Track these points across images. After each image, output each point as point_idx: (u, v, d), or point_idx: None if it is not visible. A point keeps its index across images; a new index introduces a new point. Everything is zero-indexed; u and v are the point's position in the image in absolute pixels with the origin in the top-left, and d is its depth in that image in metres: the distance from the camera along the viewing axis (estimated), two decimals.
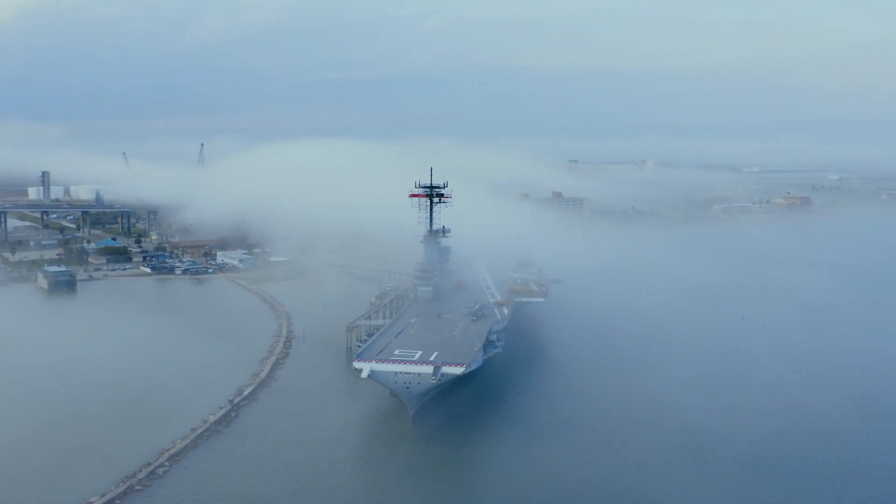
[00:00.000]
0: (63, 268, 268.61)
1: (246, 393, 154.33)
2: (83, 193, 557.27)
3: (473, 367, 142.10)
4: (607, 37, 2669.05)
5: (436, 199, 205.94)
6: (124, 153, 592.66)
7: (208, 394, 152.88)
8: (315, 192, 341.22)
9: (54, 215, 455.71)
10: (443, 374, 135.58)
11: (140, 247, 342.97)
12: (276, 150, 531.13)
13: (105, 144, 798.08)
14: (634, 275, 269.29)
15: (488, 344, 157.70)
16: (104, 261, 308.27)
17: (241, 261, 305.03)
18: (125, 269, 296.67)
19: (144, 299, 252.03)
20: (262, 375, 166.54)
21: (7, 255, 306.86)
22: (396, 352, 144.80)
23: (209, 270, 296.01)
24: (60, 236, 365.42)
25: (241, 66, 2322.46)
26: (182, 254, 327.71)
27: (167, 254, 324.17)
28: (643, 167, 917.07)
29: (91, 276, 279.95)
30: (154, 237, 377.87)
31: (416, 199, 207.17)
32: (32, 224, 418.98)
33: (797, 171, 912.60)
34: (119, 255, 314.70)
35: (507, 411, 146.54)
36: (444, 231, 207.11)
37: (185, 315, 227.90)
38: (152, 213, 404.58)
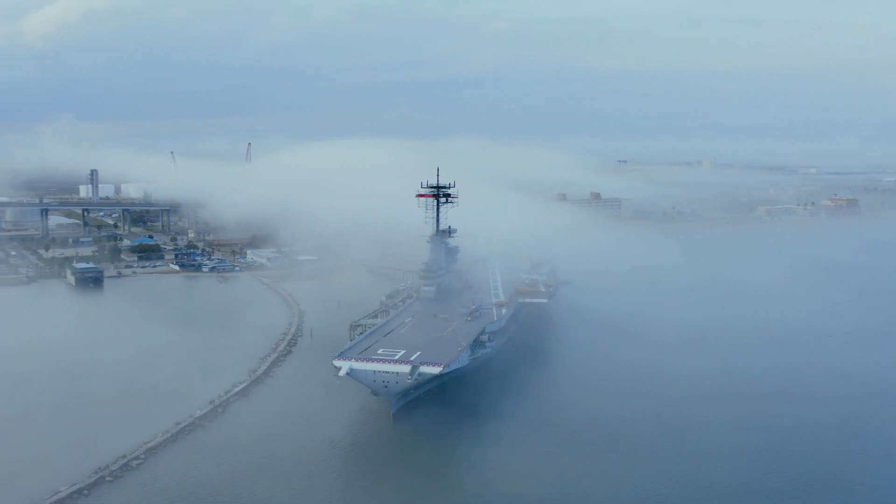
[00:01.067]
0: (91, 265, 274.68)
1: (237, 389, 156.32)
2: (133, 192, 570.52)
3: (454, 367, 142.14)
4: (671, 37, 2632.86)
5: (442, 200, 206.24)
6: (172, 152, 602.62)
7: (202, 389, 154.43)
8: (347, 191, 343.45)
9: (101, 213, 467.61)
10: (420, 374, 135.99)
11: (175, 244, 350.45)
12: (316, 148, 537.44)
13: (162, 143, 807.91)
14: (647, 275, 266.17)
15: (477, 344, 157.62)
16: (136, 258, 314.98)
17: (269, 259, 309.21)
18: (155, 267, 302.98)
19: (166, 295, 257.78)
20: (259, 372, 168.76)
21: (42, 251, 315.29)
22: (380, 351, 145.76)
23: (236, 268, 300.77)
24: (97, 233, 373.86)
25: (306, 66, 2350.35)
26: (213, 251, 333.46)
27: (199, 252, 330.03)
28: (699, 168, 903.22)
29: (120, 273, 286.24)
30: (191, 235, 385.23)
31: (423, 199, 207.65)
32: (77, 221, 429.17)
33: (854, 173, 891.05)
34: (151, 253, 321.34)
35: (491, 411, 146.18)
36: (450, 231, 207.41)
37: (199, 311, 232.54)
38: (190, 211, 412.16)
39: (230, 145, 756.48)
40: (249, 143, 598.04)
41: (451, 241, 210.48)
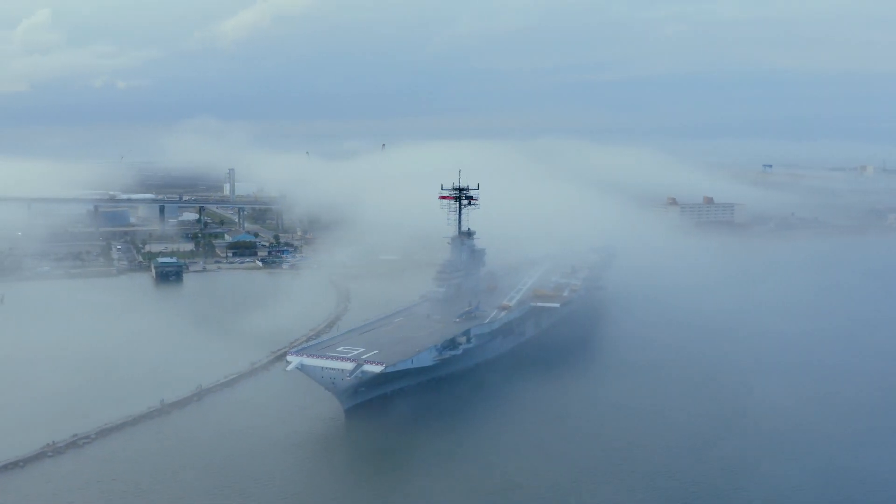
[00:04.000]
0: (174, 259, 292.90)
1: (225, 380, 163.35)
2: (272, 190, 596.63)
3: (402, 367, 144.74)
4: (856, 38, 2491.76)
5: (464, 202, 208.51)
6: (307, 152, 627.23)
7: (196, 378, 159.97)
8: (427, 192, 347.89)
9: (230, 209, 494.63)
10: (362, 372, 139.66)
11: (276, 241, 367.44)
12: (421, 150, 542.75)
13: (315, 143, 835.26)
14: (699, 283, 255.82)
15: (450, 346, 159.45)
16: (230, 254, 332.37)
17: (350, 256, 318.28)
18: (242, 262, 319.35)
19: (233, 289, 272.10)
20: (258, 364, 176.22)
21: (139, 245, 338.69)
22: (339, 348, 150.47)
23: (313, 266, 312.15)
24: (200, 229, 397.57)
25: (483, 69, 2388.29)
26: (302, 248, 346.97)
27: (290, 249, 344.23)
28: (862, 173, 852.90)
29: (205, 268, 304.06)
30: (299, 232, 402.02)
31: (446, 200, 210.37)
32: (207, 219, 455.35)
33: None
34: (245, 249, 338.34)
35: (455, 413, 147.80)
36: (469, 233, 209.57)
37: (248, 305, 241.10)
38: (300, 209, 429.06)
39: (373, 145, 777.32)
40: (384, 144, 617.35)
41: (477, 243, 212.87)
